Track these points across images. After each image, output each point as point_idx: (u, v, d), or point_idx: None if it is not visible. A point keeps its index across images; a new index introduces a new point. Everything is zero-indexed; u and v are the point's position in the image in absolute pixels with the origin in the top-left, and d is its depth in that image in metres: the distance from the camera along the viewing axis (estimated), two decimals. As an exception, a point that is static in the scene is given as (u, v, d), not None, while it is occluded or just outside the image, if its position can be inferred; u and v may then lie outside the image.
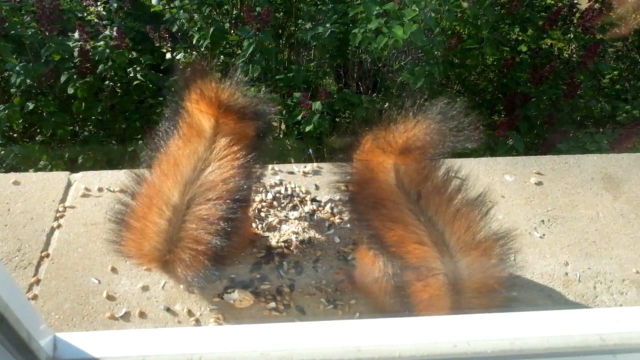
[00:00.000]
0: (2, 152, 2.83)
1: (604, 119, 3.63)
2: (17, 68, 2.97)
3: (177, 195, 1.32)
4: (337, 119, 3.84)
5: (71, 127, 3.31)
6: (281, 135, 3.36)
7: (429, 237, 1.25)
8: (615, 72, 3.90)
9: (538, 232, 1.62)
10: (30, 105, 3.06)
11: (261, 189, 1.74)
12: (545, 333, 0.92)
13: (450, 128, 1.27)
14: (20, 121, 3.14)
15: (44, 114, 3.14)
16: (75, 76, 3.14)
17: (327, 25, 3.40)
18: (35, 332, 0.84)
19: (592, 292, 1.46)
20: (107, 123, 3.38)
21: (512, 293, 1.47)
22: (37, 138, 3.28)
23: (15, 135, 3.28)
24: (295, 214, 1.69)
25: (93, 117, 3.38)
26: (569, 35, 3.74)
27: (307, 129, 3.01)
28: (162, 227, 1.32)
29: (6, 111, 2.94)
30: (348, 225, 1.63)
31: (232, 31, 3.63)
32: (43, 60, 3.13)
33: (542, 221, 1.65)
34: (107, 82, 3.33)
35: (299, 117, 3.03)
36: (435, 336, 0.91)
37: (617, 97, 3.60)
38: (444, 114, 1.29)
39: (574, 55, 3.82)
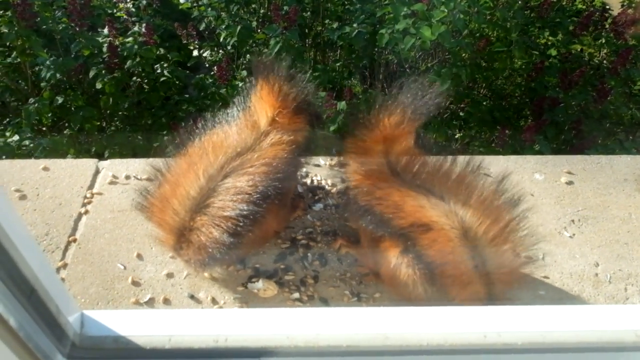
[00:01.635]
0: (31, 145, 2.87)
1: (634, 126, 3.57)
2: (48, 62, 3.01)
3: (216, 167, 1.35)
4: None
5: (98, 122, 3.33)
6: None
7: (427, 200, 1.29)
8: (647, 79, 3.83)
9: (568, 232, 1.59)
10: (60, 100, 3.09)
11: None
12: (579, 327, 0.90)
13: (420, 102, 1.37)
14: (49, 115, 3.18)
15: (73, 108, 3.17)
16: (103, 71, 3.17)
17: (354, 25, 3.40)
18: (64, 307, 0.84)
19: (622, 294, 1.43)
20: (134, 118, 3.41)
21: (540, 292, 1.44)
22: (65, 132, 3.30)
23: (44, 128, 3.32)
24: (320, 205, 1.68)
25: (120, 112, 3.41)
26: (600, 41, 3.68)
27: (332, 128, 3.00)
28: (193, 192, 1.34)
29: (36, 105, 2.98)
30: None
31: (259, 30, 3.64)
32: (73, 55, 3.17)
33: (572, 221, 1.62)
34: (134, 78, 3.36)
35: (324, 116, 3.02)
36: (465, 326, 0.89)
37: (648, 105, 3.54)
38: (412, 93, 1.39)
39: (605, 61, 3.77)
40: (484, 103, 3.80)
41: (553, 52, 3.76)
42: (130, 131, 3.41)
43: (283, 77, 1.42)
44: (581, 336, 0.89)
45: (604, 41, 3.62)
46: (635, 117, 3.49)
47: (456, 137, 3.65)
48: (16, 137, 2.87)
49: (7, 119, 3.20)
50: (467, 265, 1.27)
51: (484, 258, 1.27)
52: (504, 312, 0.91)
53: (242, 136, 1.40)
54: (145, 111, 3.45)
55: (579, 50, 3.85)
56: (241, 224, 1.32)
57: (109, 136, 3.35)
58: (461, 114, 3.73)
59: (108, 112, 3.42)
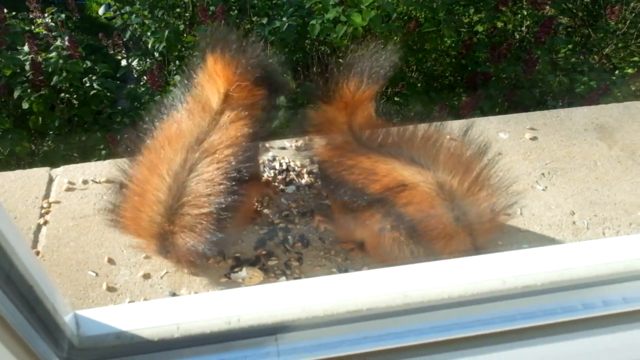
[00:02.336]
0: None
1: (562, 92, 3.69)
2: (-33, 86, 2.84)
3: (179, 162, 1.27)
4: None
5: (29, 144, 3.17)
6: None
7: (398, 162, 1.28)
8: (570, 47, 3.97)
9: (540, 185, 1.61)
10: (-16, 124, 2.93)
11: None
12: (592, 262, 0.89)
13: (375, 65, 1.36)
14: (-25, 141, 2.99)
15: (0, 132, 3.00)
16: (28, 90, 3.03)
17: (284, 19, 3.36)
18: (59, 307, 0.77)
19: (602, 237, 1.46)
20: (67, 136, 3.25)
21: (523, 245, 1.45)
22: (-6, 157, 3.14)
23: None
24: (293, 187, 1.63)
25: (51, 132, 3.26)
26: (519, 15, 3.79)
27: (274, 124, 2.95)
28: (163, 195, 1.26)
29: (-41, 131, 2.81)
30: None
31: (188, 32, 3.56)
32: (-6, 77, 3.01)
33: (543, 174, 1.64)
34: (62, 94, 3.21)
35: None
36: (483, 274, 0.87)
37: (573, 70, 3.66)
38: (367, 59, 1.36)
39: (528, 33, 3.88)
40: (419, 85, 3.84)
41: (480, 28, 3.84)
42: (64, 149, 3.25)
43: (238, 48, 1.33)
44: (598, 269, 0.88)
45: (525, 14, 3.72)
46: (563, 83, 3.61)
47: (394, 121, 3.67)
48: (-58, 168, 2.68)
49: None
50: (448, 218, 1.26)
51: (463, 209, 1.27)
52: (518, 256, 0.90)
53: (196, 120, 1.32)
54: (78, 127, 3.30)
55: (503, 25, 3.95)
56: (222, 215, 1.26)
57: (43, 157, 3.19)
58: (397, 98, 3.76)
59: (38, 132, 3.25)
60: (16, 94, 3.00)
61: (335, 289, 0.85)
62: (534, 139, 1.75)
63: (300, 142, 1.75)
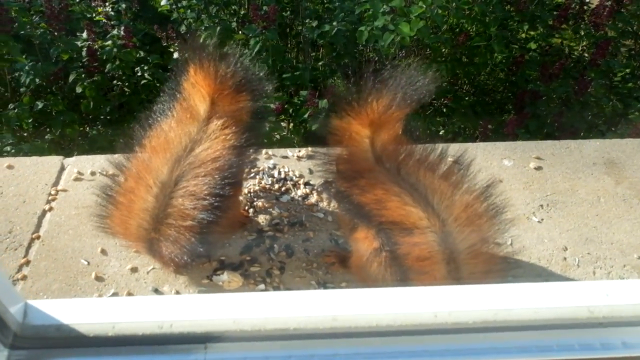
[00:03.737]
0: (13, 150, 2.84)
1: (615, 117, 3.57)
2: (27, 67, 2.99)
3: (166, 172, 1.31)
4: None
5: (80, 126, 3.31)
6: (288, 134, 3.34)
7: (411, 198, 1.25)
8: (627, 70, 3.83)
9: (536, 217, 1.59)
10: (40, 105, 3.07)
11: (254, 173, 1.72)
12: (531, 305, 0.88)
13: (411, 87, 1.31)
14: (29, 120, 3.14)
15: (53, 113, 3.15)
16: (83, 75, 3.16)
17: (334, 23, 3.39)
18: (4, 297, 0.82)
19: (591, 278, 1.42)
20: (116, 122, 3.38)
21: (508, 278, 1.43)
22: (46, 137, 3.28)
23: (25, 134, 3.29)
24: (288, 197, 1.66)
25: (101, 116, 3.40)
26: (579, 34, 3.69)
27: (314, 127, 2.98)
28: (150, 204, 1.30)
29: (16, 110, 2.97)
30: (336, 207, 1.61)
31: (239, 30, 3.63)
32: (52, 60, 3.16)
33: (541, 206, 1.61)
34: (115, 82, 3.35)
35: (306, 116, 3.01)
36: (415, 306, 0.88)
37: (629, 96, 3.53)
38: (405, 78, 1.32)
39: (585, 53, 3.77)
40: (466, 98, 3.80)
41: (533, 45, 3.76)
42: (112, 135, 3.38)
43: (216, 58, 1.36)
44: (533, 314, 0.88)
45: (583, 33, 3.62)
46: (616, 108, 3.50)
47: (440, 133, 3.64)
48: (-3, 143, 2.84)
49: (-12, 126, 3.18)
50: (441, 270, 1.25)
51: (459, 265, 1.25)
52: (454, 291, 0.90)
53: (185, 129, 1.35)
54: (127, 114, 3.42)
55: (559, 43, 3.85)
56: (205, 229, 1.30)
57: (91, 140, 3.33)
58: (444, 110, 3.73)
59: (89, 116, 3.40)
60: (71, 78, 3.15)
61: (265, 306, 0.87)
62: (538, 168, 1.72)
63: (302, 152, 1.78)
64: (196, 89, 1.38)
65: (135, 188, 1.33)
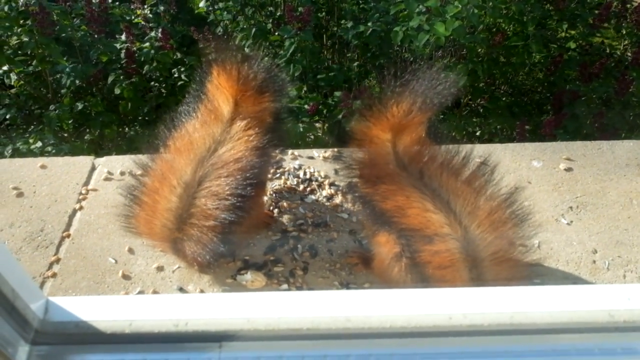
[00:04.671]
0: (54, 150, 2.92)
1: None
2: (67, 69, 3.07)
3: (190, 173, 1.33)
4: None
5: (118, 127, 3.37)
6: (322, 134, 3.35)
7: (433, 204, 1.23)
8: (671, 71, 3.72)
9: (565, 219, 1.55)
10: (80, 106, 3.15)
11: (279, 173, 1.73)
12: (549, 308, 0.87)
13: (433, 91, 1.29)
14: (70, 121, 3.22)
15: (92, 113, 3.23)
16: (121, 77, 3.24)
17: (369, 24, 3.38)
18: (25, 294, 0.84)
19: (621, 281, 1.39)
20: (153, 123, 3.44)
21: (535, 281, 1.41)
22: (85, 137, 3.36)
23: (65, 135, 3.37)
24: (313, 197, 1.67)
25: (139, 117, 3.47)
26: (621, 32, 3.60)
27: (348, 128, 2.97)
28: (173, 204, 1.33)
29: (57, 111, 3.05)
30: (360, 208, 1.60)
31: (274, 32, 3.65)
32: (92, 62, 3.23)
33: (570, 208, 1.58)
34: (152, 83, 3.42)
35: (340, 116, 3.01)
36: (429, 308, 0.87)
37: (672, 96, 3.43)
38: (426, 81, 1.30)
39: (627, 53, 3.68)
40: (503, 99, 3.74)
41: (572, 44, 3.68)
42: (149, 135, 3.43)
43: (239, 60, 1.38)
44: (551, 317, 0.86)
45: (624, 32, 3.53)
46: (659, 109, 3.40)
47: (477, 134, 3.60)
48: (39, 144, 2.92)
49: (31, 127, 3.27)
50: (463, 278, 1.23)
51: (481, 272, 1.23)
52: (469, 293, 0.89)
53: (209, 130, 1.37)
54: (164, 115, 3.48)
55: (599, 42, 3.76)
56: (227, 229, 1.32)
57: (129, 141, 3.40)
58: (480, 110, 3.69)
59: (127, 117, 3.47)
60: (110, 79, 3.22)
61: (279, 305, 0.88)
62: (568, 169, 1.69)
63: (328, 153, 1.78)
64: (220, 90, 1.39)
65: (159, 188, 1.35)
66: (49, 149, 2.88)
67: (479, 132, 3.58)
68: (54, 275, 1.47)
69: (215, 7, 3.72)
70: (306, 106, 3.03)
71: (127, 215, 1.40)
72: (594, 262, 1.44)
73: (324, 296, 0.89)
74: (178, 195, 1.32)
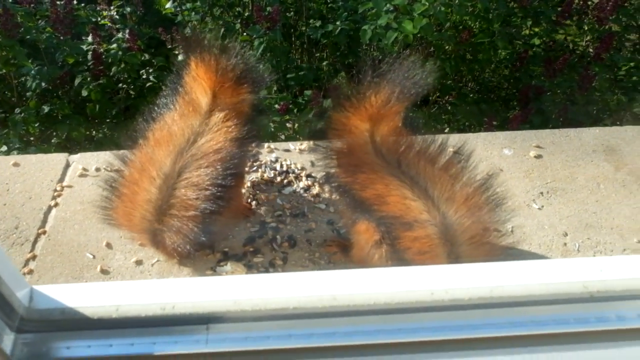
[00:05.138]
0: (20, 154, 2.87)
1: (620, 111, 3.57)
2: (33, 72, 3.02)
3: (169, 164, 1.33)
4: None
5: (86, 129, 3.33)
6: (292, 134, 3.36)
7: (411, 192, 1.25)
8: (632, 64, 3.83)
9: (537, 204, 1.60)
10: (46, 109, 3.10)
11: (256, 166, 1.74)
12: (527, 281, 0.90)
13: (409, 81, 1.32)
14: (36, 124, 3.17)
15: (59, 116, 3.18)
16: (89, 79, 3.20)
17: (337, 23, 3.41)
18: (11, 283, 0.84)
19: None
20: (122, 125, 3.40)
21: (509, 264, 1.44)
22: (52, 140, 3.31)
23: (31, 138, 3.32)
24: (290, 189, 1.68)
25: (107, 120, 3.43)
26: (583, 29, 3.69)
27: (319, 126, 2.99)
28: (153, 195, 1.33)
29: (22, 114, 3.00)
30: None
31: (243, 32, 3.65)
32: (58, 64, 3.19)
33: (541, 193, 1.62)
34: (120, 85, 3.38)
35: (310, 115, 3.02)
36: (412, 284, 0.90)
37: (633, 89, 3.53)
38: (403, 72, 1.33)
39: (589, 48, 3.78)
40: (471, 95, 3.80)
41: (536, 41, 3.76)
42: (118, 138, 3.40)
43: (217, 52, 1.39)
44: (529, 290, 0.89)
45: (586, 28, 3.62)
46: (621, 101, 3.50)
47: (445, 130, 3.65)
48: (4, 148, 2.87)
49: (-4, 130, 3.21)
50: (441, 262, 1.25)
51: (459, 257, 1.26)
52: (450, 270, 0.91)
53: (187, 121, 1.38)
54: (132, 117, 3.44)
55: (562, 38, 3.85)
56: (207, 218, 1.33)
57: (98, 143, 3.36)
58: (448, 107, 3.74)
59: (95, 119, 3.42)
60: (77, 81, 3.18)
61: (265, 286, 0.89)
62: (538, 156, 1.73)
63: (304, 146, 1.80)
64: (197, 82, 1.40)
65: (139, 180, 1.35)
66: (15, 152, 2.83)
67: (448, 128, 3.63)
68: (31, 272, 1.45)
69: (183, 7, 3.71)
70: (276, 105, 3.04)
71: (106, 207, 1.40)
72: (565, 244, 1.49)
73: (309, 276, 0.91)
74: (157, 187, 1.32)
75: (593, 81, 3.16)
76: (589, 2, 3.72)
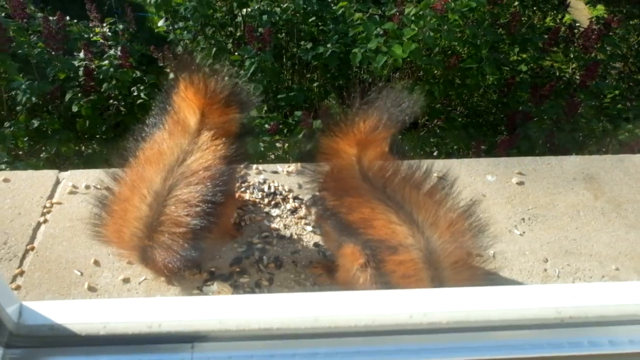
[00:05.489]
0: (7, 168, 2.88)
1: (605, 138, 3.63)
2: (23, 86, 3.03)
3: (159, 182, 1.36)
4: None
5: (75, 145, 3.34)
6: (282, 154, 3.39)
7: (397, 216, 1.28)
8: (617, 92, 3.91)
9: (518, 230, 1.63)
10: (36, 123, 3.11)
11: (244, 187, 1.77)
12: (502, 306, 0.93)
13: (396, 109, 1.35)
14: (25, 139, 3.18)
15: (49, 131, 3.19)
16: (79, 94, 3.22)
17: (328, 45, 3.46)
18: (1, 298, 0.86)
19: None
20: (112, 141, 3.42)
21: (490, 289, 1.47)
22: (41, 155, 3.31)
23: (20, 152, 3.32)
24: (277, 211, 1.71)
25: (97, 135, 3.43)
26: (569, 56, 3.77)
27: (308, 147, 3.02)
28: (143, 212, 1.35)
29: (12, 128, 3.00)
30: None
31: (234, 51, 3.69)
32: (49, 79, 3.20)
33: (523, 219, 1.66)
34: (111, 101, 3.40)
35: (300, 136, 3.05)
36: (392, 307, 0.92)
37: (618, 117, 3.60)
38: (391, 99, 1.36)
39: (575, 75, 3.85)
40: (459, 119, 3.86)
41: (524, 67, 3.83)
42: (107, 154, 3.41)
43: (206, 74, 1.42)
44: (504, 314, 0.92)
45: (572, 56, 3.70)
46: (606, 129, 3.56)
47: (434, 154, 3.70)
48: (-8, 161, 2.87)
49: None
50: (425, 286, 1.28)
51: (443, 281, 1.28)
52: (429, 294, 0.94)
53: (176, 140, 1.41)
54: (123, 134, 3.46)
55: (549, 65, 3.92)
56: (198, 235, 1.35)
57: (87, 159, 3.37)
58: (437, 130, 3.79)
59: (85, 135, 3.43)
60: (67, 97, 3.19)
61: (250, 307, 0.91)
62: (520, 183, 1.77)
63: (292, 168, 1.83)
64: (187, 102, 1.43)
65: (129, 197, 1.38)
66: (3, 166, 2.82)
67: (436, 152, 3.68)
68: (18, 287, 1.46)
69: (175, 26, 3.75)
70: (267, 125, 3.07)
71: (97, 223, 1.42)
72: (545, 270, 1.52)
73: (292, 298, 0.93)
74: (148, 204, 1.35)
75: (579, 108, 3.21)
76: (575, 31, 3.81)
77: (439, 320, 0.91)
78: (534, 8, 4.76)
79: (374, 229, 1.31)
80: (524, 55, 3.80)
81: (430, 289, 0.95)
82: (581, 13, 6.65)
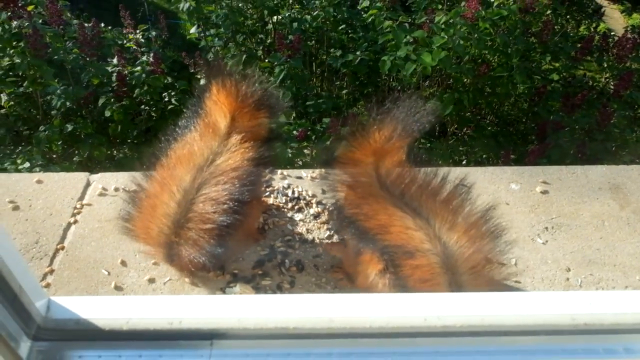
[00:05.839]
0: (42, 171, 2.96)
1: (639, 148, 3.57)
2: (58, 91, 3.12)
3: (189, 180, 1.40)
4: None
5: (107, 149, 3.42)
6: (310, 161, 3.41)
7: (413, 222, 1.29)
8: (651, 102, 3.84)
9: (541, 239, 1.62)
10: (69, 127, 3.18)
11: (268, 192, 1.80)
12: (517, 312, 0.93)
13: (412, 118, 1.37)
14: (59, 142, 3.26)
15: (82, 135, 3.26)
16: (112, 100, 3.29)
17: (357, 53, 3.48)
18: (30, 292, 0.90)
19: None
20: (143, 146, 3.48)
21: (511, 296, 1.47)
22: (74, 159, 3.39)
23: (54, 156, 3.41)
24: (301, 215, 1.73)
25: (129, 140, 3.52)
26: (603, 65, 3.72)
27: (334, 154, 3.04)
28: (172, 209, 1.39)
29: (46, 132, 3.08)
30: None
31: (264, 58, 3.73)
32: (83, 85, 3.28)
33: (546, 228, 1.65)
34: (143, 107, 3.47)
35: (328, 142, 3.07)
36: (406, 310, 0.93)
37: (653, 128, 3.54)
38: (406, 109, 1.38)
39: (609, 85, 3.80)
40: (489, 128, 3.83)
41: (555, 76, 3.79)
42: (138, 158, 3.47)
43: (238, 78, 1.46)
44: (519, 320, 0.92)
45: (606, 65, 3.65)
46: (640, 139, 3.51)
47: (463, 162, 3.69)
48: (27, 164, 2.93)
49: (19, 147, 3.29)
50: (442, 290, 1.29)
51: (460, 286, 1.28)
52: (444, 298, 0.95)
53: (206, 142, 1.45)
54: (153, 139, 3.52)
55: (581, 74, 3.87)
56: (224, 232, 1.38)
57: (118, 163, 3.44)
58: (466, 139, 3.78)
59: (117, 139, 3.51)
60: (101, 102, 3.27)
61: (268, 307, 0.93)
62: (544, 192, 1.77)
63: (316, 174, 1.85)
64: (218, 106, 1.47)
65: (159, 194, 1.42)
66: (37, 169, 2.90)
67: (465, 160, 3.66)
68: (48, 285, 1.51)
69: (207, 33, 3.81)
70: (295, 132, 3.10)
71: (126, 218, 1.47)
72: (568, 279, 1.51)
73: (308, 299, 0.95)
74: (177, 201, 1.39)
75: (612, 118, 3.16)
76: (609, 40, 3.76)
77: (453, 324, 0.92)
78: (567, 17, 4.71)
79: (391, 234, 1.33)
80: (556, 64, 3.76)
81: (445, 292, 0.96)
82: (616, 22, 6.56)
